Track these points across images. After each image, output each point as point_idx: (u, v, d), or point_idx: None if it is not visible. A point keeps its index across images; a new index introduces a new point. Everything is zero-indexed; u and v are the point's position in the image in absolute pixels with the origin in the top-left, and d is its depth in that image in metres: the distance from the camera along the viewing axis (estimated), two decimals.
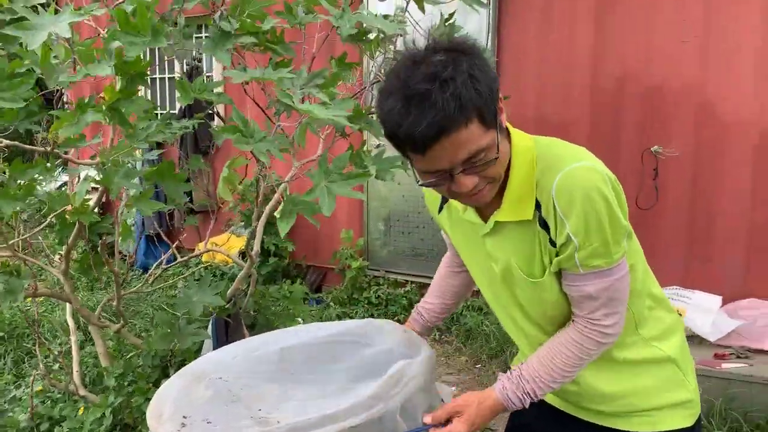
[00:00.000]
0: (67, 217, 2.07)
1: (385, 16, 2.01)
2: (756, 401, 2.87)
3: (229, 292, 2.35)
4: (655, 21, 3.66)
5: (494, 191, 1.16)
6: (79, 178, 2.37)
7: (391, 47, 1.98)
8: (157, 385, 2.51)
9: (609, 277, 1.15)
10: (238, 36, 1.59)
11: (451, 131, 1.01)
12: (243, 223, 5.01)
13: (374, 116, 2.15)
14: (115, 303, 2.25)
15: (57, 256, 2.72)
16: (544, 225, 1.16)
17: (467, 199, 1.15)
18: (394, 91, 1.04)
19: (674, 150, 3.65)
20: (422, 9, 2.09)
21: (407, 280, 4.59)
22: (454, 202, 1.29)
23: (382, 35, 1.96)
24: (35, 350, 3.45)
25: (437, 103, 0.99)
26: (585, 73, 3.89)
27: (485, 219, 1.25)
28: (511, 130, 1.19)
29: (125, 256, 4.96)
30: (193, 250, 4.01)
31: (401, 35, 2.15)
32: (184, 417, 1.24)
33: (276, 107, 1.55)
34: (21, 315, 4.02)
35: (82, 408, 2.38)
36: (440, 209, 1.37)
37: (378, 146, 4.27)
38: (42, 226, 2.31)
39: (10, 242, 2.17)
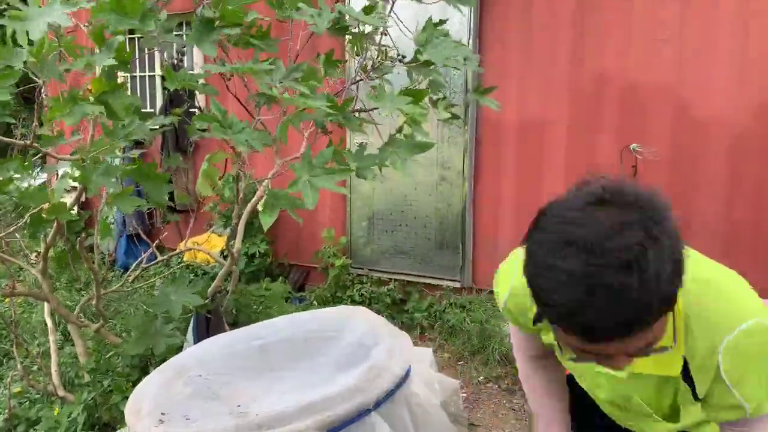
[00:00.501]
0: (43, 215, 2.04)
1: (367, 10, 1.98)
2: None
3: (210, 290, 2.34)
4: (633, 24, 3.71)
5: None
6: (57, 175, 2.33)
7: (374, 45, 1.98)
8: (136, 383, 2.49)
9: None
10: (222, 27, 1.57)
11: (639, 331, 0.83)
12: (224, 222, 4.98)
13: (357, 114, 2.15)
14: (94, 302, 2.22)
15: (34, 255, 2.68)
16: (689, 380, 1.03)
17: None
18: (569, 273, 0.81)
19: (653, 148, 3.70)
20: None
21: (390, 278, 4.59)
22: None
23: (366, 30, 1.96)
24: (13, 351, 3.40)
25: (633, 303, 0.79)
26: (564, 74, 3.92)
27: None
28: None
29: (105, 255, 4.92)
30: (175, 249, 3.97)
31: (385, 33, 2.14)
32: (163, 414, 1.24)
33: (256, 101, 1.54)
34: None
35: (56, 409, 2.35)
36: (536, 321, 1.03)
37: (361, 144, 4.26)
38: (19, 225, 2.28)
39: None
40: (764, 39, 3.42)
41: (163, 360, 2.50)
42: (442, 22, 2.00)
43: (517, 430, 3.09)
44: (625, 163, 3.77)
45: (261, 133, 1.51)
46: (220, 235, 4.95)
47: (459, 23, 4.01)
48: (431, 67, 1.86)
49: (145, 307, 2.91)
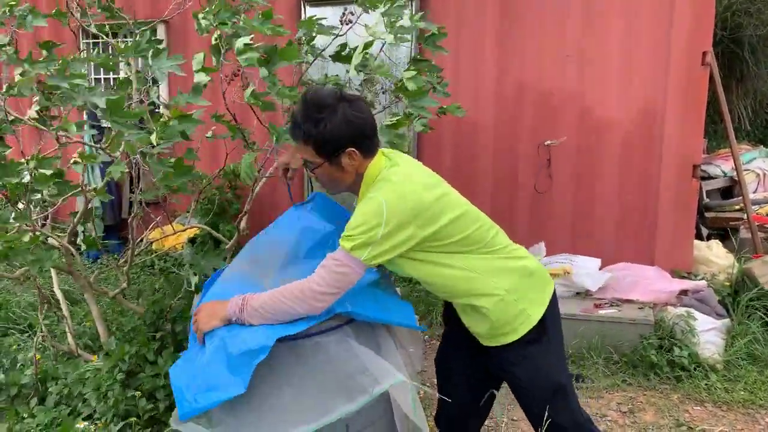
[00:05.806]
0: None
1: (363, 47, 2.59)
2: (623, 337, 3.72)
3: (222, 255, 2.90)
4: (545, 42, 4.51)
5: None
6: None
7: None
8: (150, 339, 2.98)
9: None
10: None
11: (300, 139, 1.77)
12: (188, 213, 5.44)
13: None
14: (125, 268, 2.73)
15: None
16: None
17: None
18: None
19: (563, 142, 4.51)
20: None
21: None
22: None
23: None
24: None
25: (305, 124, 1.74)
26: (491, 83, 4.68)
27: None
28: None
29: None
30: (143, 240, 4.43)
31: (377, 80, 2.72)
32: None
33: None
34: None
35: (95, 357, 2.83)
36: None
37: None
38: (54, 209, 2.76)
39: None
40: (643, 56, 4.30)
41: (176, 317, 3.03)
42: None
43: None
44: (542, 156, 4.57)
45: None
46: (184, 226, 5.42)
47: (405, 49, 4.71)
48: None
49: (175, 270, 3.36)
